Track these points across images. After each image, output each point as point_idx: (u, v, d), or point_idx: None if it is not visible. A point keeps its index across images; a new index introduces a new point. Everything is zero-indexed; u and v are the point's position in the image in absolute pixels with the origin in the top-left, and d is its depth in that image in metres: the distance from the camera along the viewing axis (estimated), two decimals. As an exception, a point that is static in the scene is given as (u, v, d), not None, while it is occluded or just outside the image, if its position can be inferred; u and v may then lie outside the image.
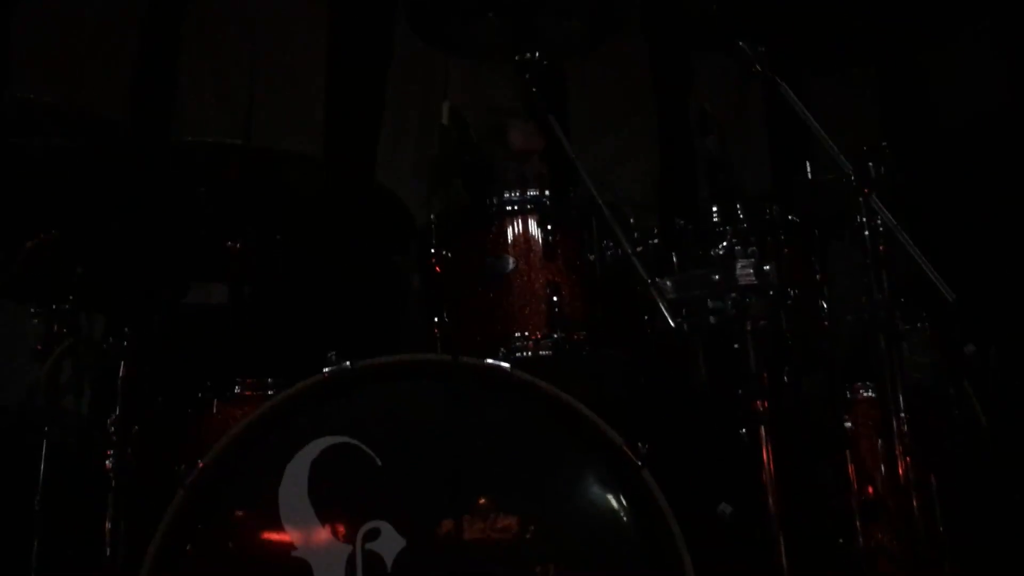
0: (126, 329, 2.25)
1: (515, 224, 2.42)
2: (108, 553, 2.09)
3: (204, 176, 2.27)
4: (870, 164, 2.16)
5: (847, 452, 2.37)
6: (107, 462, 2.15)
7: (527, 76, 2.42)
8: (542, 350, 2.35)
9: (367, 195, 2.50)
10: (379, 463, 1.93)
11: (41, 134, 2.19)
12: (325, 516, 1.89)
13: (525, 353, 2.34)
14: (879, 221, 2.14)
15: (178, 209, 2.39)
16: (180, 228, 2.46)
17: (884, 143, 2.17)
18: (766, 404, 2.10)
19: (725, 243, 2.17)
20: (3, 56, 3.82)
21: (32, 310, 2.28)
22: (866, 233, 2.14)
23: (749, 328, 2.13)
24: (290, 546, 1.87)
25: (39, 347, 2.25)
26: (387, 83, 4.42)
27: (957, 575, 2.10)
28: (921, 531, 2.07)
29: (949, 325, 2.47)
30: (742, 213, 2.28)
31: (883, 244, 2.14)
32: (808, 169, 2.38)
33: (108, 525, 2.10)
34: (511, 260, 2.39)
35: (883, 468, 2.39)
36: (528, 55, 2.43)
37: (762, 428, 2.08)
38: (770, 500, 2.05)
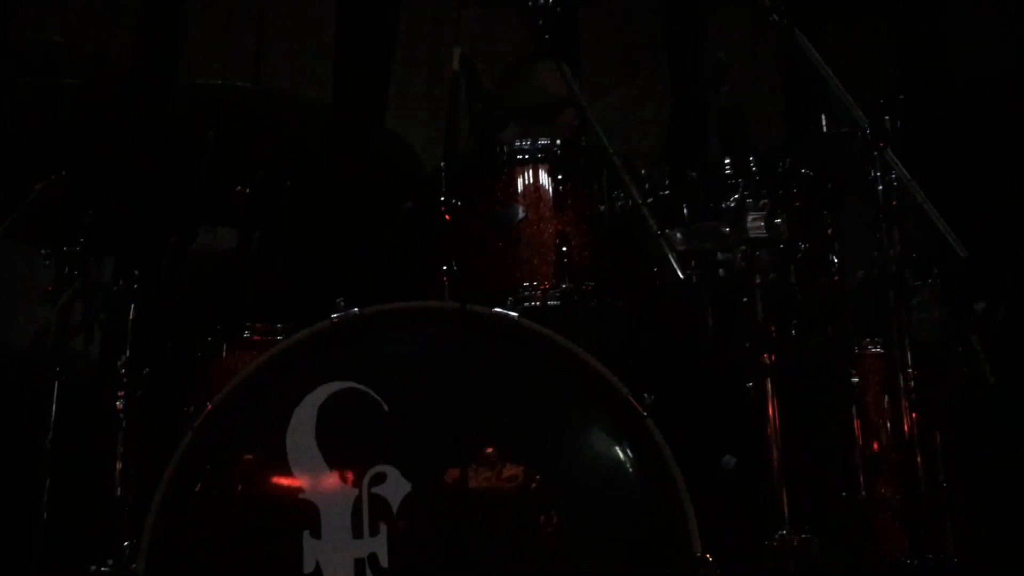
0: (136, 272, 2.26)
1: (525, 173, 2.40)
2: (118, 493, 2.11)
3: (213, 119, 2.26)
4: (885, 118, 2.13)
5: (853, 407, 2.37)
6: (117, 404, 2.17)
7: (539, 22, 2.39)
8: (550, 300, 2.34)
9: (376, 141, 2.48)
10: (386, 409, 1.94)
11: (49, 74, 2.18)
12: (332, 460, 1.91)
13: (533, 303, 2.34)
14: (893, 176, 2.12)
15: (187, 152, 2.38)
16: (189, 172, 2.45)
17: (900, 96, 2.14)
18: (773, 358, 2.10)
19: (736, 196, 2.15)
20: (10, -4, 3.79)
21: (42, 252, 2.28)
22: (879, 188, 2.13)
23: (758, 281, 2.12)
24: (298, 489, 1.89)
25: (49, 289, 2.25)
26: (398, 27, 4.37)
27: (958, 530, 2.11)
28: (923, 486, 2.08)
29: (959, 282, 2.46)
30: (754, 166, 2.26)
31: (896, 199, 2.12)
32: (823, 122, 2.35)
33: (118, 466, 2.13)
34: (520, 209, 2.38)
35: (888, 424, 2.39)
36: (540, 1, 2.39)
37: (768, 381, 2.09)
38: (774, 453, 2.06)
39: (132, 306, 2.23)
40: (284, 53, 4.17)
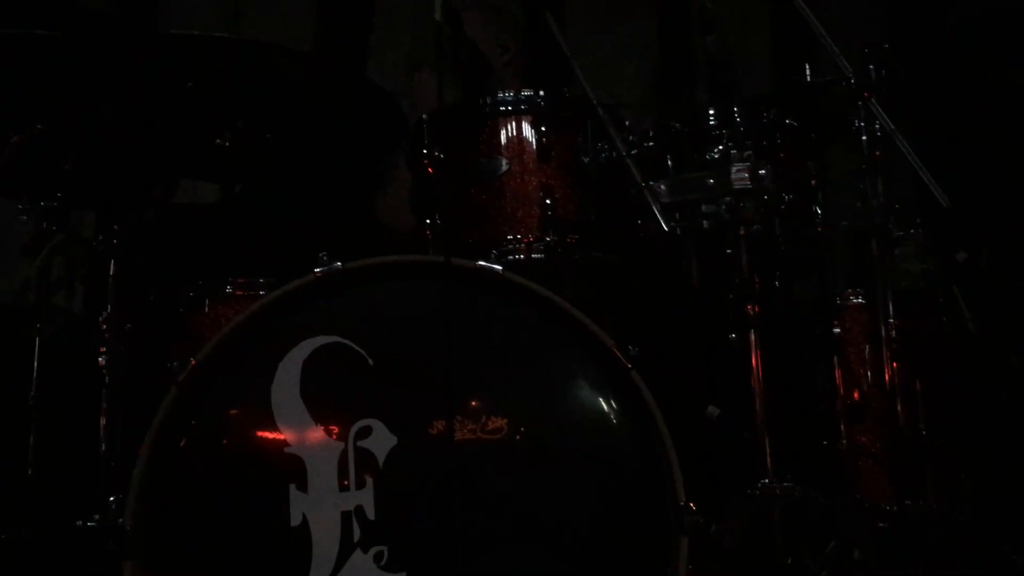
0: (116, 227, 2.23)
1: (508, 125, 2.38)
2: (103, 448, 2.12)
3: (192, 70, 2.22)
4: (871, 67, 2.12)
5: (835, 357, 2.39)
6: (100, 359, 2.16)
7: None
8: (534, 253, 2.34)
9: (358, 91, 2.45)
10: (371, 363, 1.94)
11: (24, 24, 2.13)
12: (317, 414, 1.91)
13: (517, 256, 2.33)
14: (877, 126, 2.12)
15: (166, 104, 2.34)
16: (168, 124, 2.41)
17: (887, 45, 2.13)
18: (757, 308, 2.11)
19: (721, 146, 2.14)
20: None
21: (20, 207, 2.26)
22: (863, 138, 2.12)
23: (742, 232, 2.12)
24: (283, 443, 1.89)
25: (29, 244, 2.23)
26: (380, -24, 4.29)
27: (939, 477, 2.14)
28: (904, 434, 2.11)
29: (942, 232, 2.47)
30: (739, 116, 2.24)
31: (880, 149, 2.12)
32: (807, 71, 2.33)
33: (102, 421, 2.13)
34: (504, 161, 2.36)
35: (869, 373, 2.42)
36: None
37: (752, 332, 2.10)
38: (757, 402, 2.08)
39: (113, 261, 2.21)
40: (264, 1, 4.11)
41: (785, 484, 2.05)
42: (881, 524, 2.18)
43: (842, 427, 2.37)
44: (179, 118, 2.38)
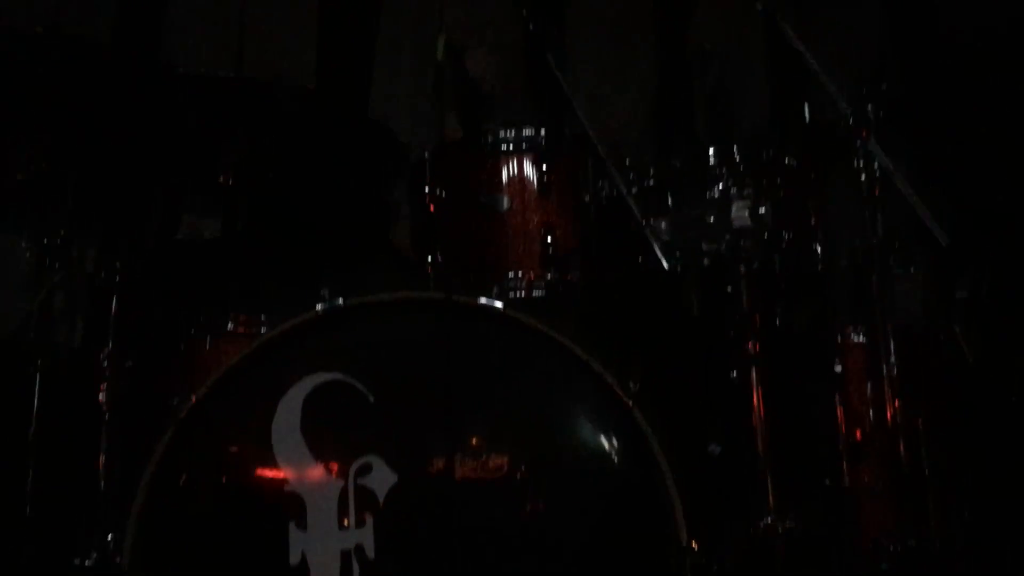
0: (118, 263, 2.24)
1: (510, 163, 2.40)
2: (102, 486, 2.10)
3: (195, 107, 2.24)
4: (868, 106, 2.14)
5: (836, 394, 2.39)
6: (100, 395, 2.15)
7: (524, 10, 2.38)
8: (535, 290, 2.35)
9: (360, 129, 2.47)
10: (372, 400, 1.94)
11: (29, 63, 2.15)
12: (318, 451, 1.90)
13: (518, 292, 2.34)
14: (875, 164, 2.13)
15: (169, 140, 2.36)
16: (171, 160, 2.43)
17: (883, 85, 2.15)
18: (757, 346, 2.11)
19: (721, 184, 2.16)
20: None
21: (23, 243, 2.26)
22: (862, 176, 2.13)
23: (743, 270, 2.13)
24: (283, 481, 1.89)
25: (31, 280, 2.23)
26: (382, 14, 4.34)
27: (941, 516, 2.13)
28: (907, 473, 2.10)
29: (942, 269, 2.47)
30: (738, 154, 2.26)
31: (879, 187, 2.13)
32: (806, 111, 2.35)
33: (102, 458, 2.12)
34: (505, 199, 2.37)
35: (871, 411, 2.41)
36: (526, -11, 2.38)
37: (753, 369, 2.10)
38: (759, 440, 2.07)
39: (115, 297, 2.21)
40: (267, 38, 4.15)
41: (788, 522, 2.04)
42: (884, 563, 2.16)
43: (844, 465, 2.36)
44: (182, 154, 2.40)
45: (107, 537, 2.04)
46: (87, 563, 2.03)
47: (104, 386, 2.15)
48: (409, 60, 4.29)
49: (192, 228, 2.89)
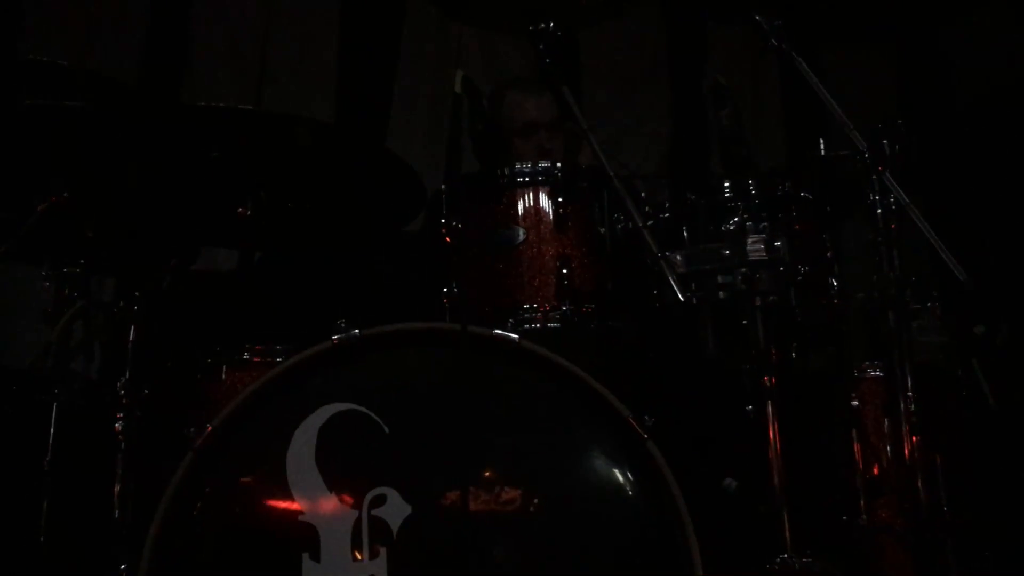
0: (136, 293, 2.26)
1: (526, 195, 2.41)
2: (116, 515, 2.11)
3: (216, 141, 2.27)
4: (884, 141, 2.15)
5: (853, 430, 2.37)
6: (116, 424, 2.16)
7: (541, 47, 2.40)
8: (551, 322, 2.34)
9: (378, 162, 2.49)
10: (387, 431, 1.93)
11: (53, 96, 2.19)
12: (332, 482, 1.90)
13: (534, 325, 2.34)
14: (892, 199, 2.13)
15: (189, 173, 2.39)
16: (191, 193, 2.46)
17: (900, 120, 2.15)
18: (773, 380, 2.10)
19: (736, 218, 2.16)
20: (16, 18, 3.81)
21: (43, 273, 2.29)
22: (878, 211, 2.13)
23: (758, 303, 2.13)
24: (297, 511, 1.88)
25: (49, 310, 2.25)
26: (400, 50, 4.40)
27: (960, 554, 2.10)
28: (925, 510, 2.08)
29: (960, 305, 2.46)
30: (754, 188, 2.26)
31: (895, 222, 2.13)
32: (821, 145, 2.36)
33: (117, 487, 2.12)
34: (521, 231, 2.38)
35: (889, 447, 2.39)
36: (542, 25, 2.40)
37: (769, 404, 2.09)
38: (775, 476, 2.06)
39: (132, 327, 2.23)
40: (287, 73, 4.20)
41: (804, 560, 2.02)
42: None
43: (862, 502, 2.33)
44: (201, 187, 2.43)
45: (121, 566, 2.05)
46: (100, 592, 2.04)
47: (120, 415, 2.16)
48: (427, 95, 4.35)
49: (209, 258, 2.92)
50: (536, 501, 1.91)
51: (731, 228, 2.15)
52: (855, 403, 2.37)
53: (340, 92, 4.25)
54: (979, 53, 4.50)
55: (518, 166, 2.44)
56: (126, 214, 2.42)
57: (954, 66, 4.66)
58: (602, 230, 2.41)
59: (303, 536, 1.86)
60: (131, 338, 2.22)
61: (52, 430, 2.16)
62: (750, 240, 2.11)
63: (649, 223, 2.31)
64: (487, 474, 1.91)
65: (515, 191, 2.41)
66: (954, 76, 4.65)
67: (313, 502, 1.89)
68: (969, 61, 4.56)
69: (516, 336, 1.98)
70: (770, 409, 2.08)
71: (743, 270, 2.11)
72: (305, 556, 1.85)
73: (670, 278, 2.00)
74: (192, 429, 1.92)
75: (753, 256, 2.10)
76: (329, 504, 1.89)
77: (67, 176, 2.25)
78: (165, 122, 2.28)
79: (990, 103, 4.29)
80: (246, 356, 2.32)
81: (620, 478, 1.95)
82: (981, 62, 4.48)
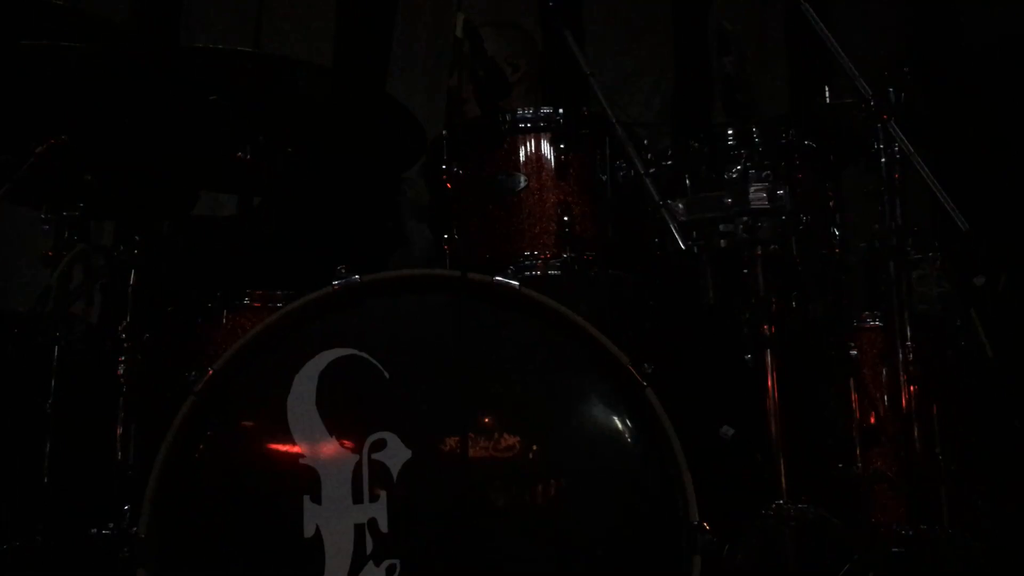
0: (136, 237, 2.25)
1: (527, 142, 2.39)
2: (119, 457, 2.13)
3: (214, 84, 2.24)
4: (890, 90, 2.12)
5: (851, 379, 2.38)
6: (118, 368, 2.17)
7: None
8: (551, 269, 2.35)
9: (377, 106, 2.46)
10: (387, 376, 1.94)
11: (49, 37, 2.16)
12: (333, 426, 1.91)
13: (534, 272, 2.34)
14: (896, 148, 2.12)
15: (187, 116, 2.37)
16: (189, 136, 2.44)
17: (906, 68, 2.13)
18: (773, 329, 2.10)
19: (739, 166, 2.14)
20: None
21: (42, 216, 2.28)
22: (882, 160, 2.12)
23: (759, 252, 2.12)
24: (298, 455, 1.90)
25: (49, 253, 2.25)
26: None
27: (953, 502, 2.12)
28: (920, 458, 2.10)
29: (961, 255, 2.46)
30: (757, 136, 2.24)
31: (899, 171, 2.12)
32: (826, 93, 2.34)
33: (119, 430, 2.14)
34: (522, 178, 2.37)
35: (886, 396, 2.40)
36: (545, -32, 2.37)
37: (768, 352, 2.10)
38: (772, 424, 2.07)
39: (132, 271, 2.22)
40: (285, 15, 4.14)
41: (799, 506, 2.04)
42: (895, 548, 2.16)
43: (857, 450, 2.35)
44: (200, 131, 2.41)
45: (123, 508, 2.07)
46: (104, 532, 2.06)
47: (121, 359, 2.17)
48: (427, 38, 4.29)
49: (209, 203, 2.90)
50: (535, 447, 1.92)
51: (733, 176, 2.13)
52: (853, 352, 2.38)
53: (339, 34, 4.19)
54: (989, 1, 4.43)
55: (520, 111, 2.42)
56: (125, 157, 2.40)
57: (963, 14, 4.60)
58: (603, 177, 2.40)
59: (304, 479, 1.88)
60: (131, 282, 2.22)
61: (54, 373, 2.16)
62: (752, 188, 2.09)
63: (651, 171, 2.29)
64: (486, 420, 1.92)
65: (516, 137, 2.40)
66: (963, 24, 4.59)
67: (314, 446, 1.90)
68: (979, 8, 4.50)
69: (516, 283, 1.98)
70: (769, 358, 2.09)
71: (745, 219, 2.10)
72: (306, 499, 1.87)
73: (671, 226, 2.00)
74: (193, 373, 1.92)
75: (755, 204, 2.09)
76: (330, 448, 1.90)
77: (65, 119, 2.23)
78: (162, 64, 2.25)
79: (998, 51, 4.24)
80: (247, 301, 2.32)
81: (619, 425, 1.96)
82: (991, 10, 4.42)
